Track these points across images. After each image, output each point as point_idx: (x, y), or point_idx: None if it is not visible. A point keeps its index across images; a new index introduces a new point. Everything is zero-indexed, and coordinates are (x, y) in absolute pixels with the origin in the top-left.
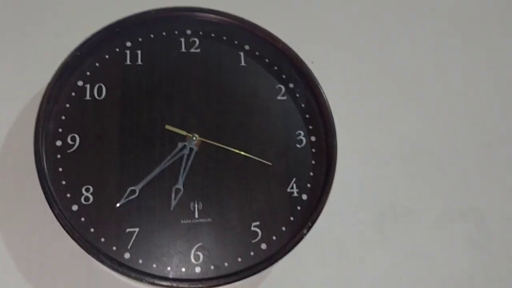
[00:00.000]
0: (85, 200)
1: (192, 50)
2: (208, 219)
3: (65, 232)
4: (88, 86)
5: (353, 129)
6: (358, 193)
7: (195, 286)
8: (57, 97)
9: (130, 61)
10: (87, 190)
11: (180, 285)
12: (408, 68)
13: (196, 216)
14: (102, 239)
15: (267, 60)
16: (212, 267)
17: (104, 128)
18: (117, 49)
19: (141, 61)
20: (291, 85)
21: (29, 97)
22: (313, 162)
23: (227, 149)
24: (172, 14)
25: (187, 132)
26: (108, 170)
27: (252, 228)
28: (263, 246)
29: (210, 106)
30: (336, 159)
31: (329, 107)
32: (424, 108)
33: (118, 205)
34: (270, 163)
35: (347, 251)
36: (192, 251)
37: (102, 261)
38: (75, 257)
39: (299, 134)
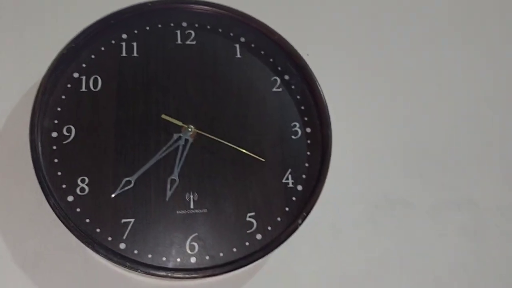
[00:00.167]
0: (80, 191)
1: (188, 42)
2: (204, 210)
3: (60, 222)
4: (84, 77)
5: (348, 120)
6: (353, 183)
7: (190, 275)
8: (53, 88)
9: (126, 53)
10: (83, 181)
11: (175, 274)
12: (403, 60)
13: (192, 206)
14: (98, 230)
15: (262, 52)
16: (207, 257)
17: (100, 119)
18: (113, 41)
19: (137, 53)
20: (286, 77)
21: (25, 89)
22: (308, 153)
23: (222, 142)
24: (168, 6)
25: (183, 123)
26: (103, 161)
27: (247, 219)
28: (258, 236)
29: (206, 98)
30: (331, 149)
31: (324, 98)
32: (419, 99)
33: (113, 195)
34: (263, 160)
35: (342, 241)
36: (188, 242)
37: (97, 251)
38: (71, 248)
39: (295, 125)
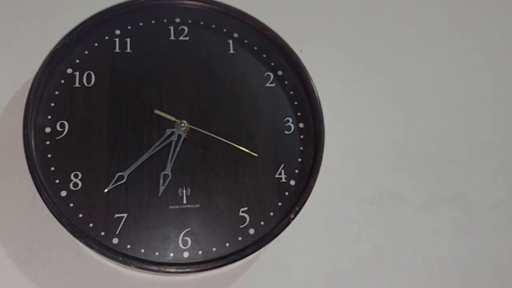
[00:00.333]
0: (73, 186)
1: (181, 38)
2: (196, 205)
3: (53, 218)
4: (77, 73)
5: (341, 115)
6: (345, 178)
7: (183, 270)
8: (46, 84)
9: (119, 48)
10: (76, 176)
11: (168, 269)
12: (395, 56)
13: (185, 201)
14: (91, 225)
15: (255, 48)
16: (200, 252)
17: (93, 114)
18: (107, 37)
19: (130, 48)
20: (279, 73)
21: (19, 85)
22: (301, 148)
23: (215, 137)
24: (161, 2)
25: (176, 118)
26: (96, 156)
27: (240, 214)
28: (251, 231)
29: (199, 94)
30: (323, 145)
31: (317, 94)
32: (412, 95)
33: (106, 190)
34: (256, 154)
35: (335, 236)
36: (180, 236)
37: (90, 246)
38: (64, 243)
39: (288, 120)
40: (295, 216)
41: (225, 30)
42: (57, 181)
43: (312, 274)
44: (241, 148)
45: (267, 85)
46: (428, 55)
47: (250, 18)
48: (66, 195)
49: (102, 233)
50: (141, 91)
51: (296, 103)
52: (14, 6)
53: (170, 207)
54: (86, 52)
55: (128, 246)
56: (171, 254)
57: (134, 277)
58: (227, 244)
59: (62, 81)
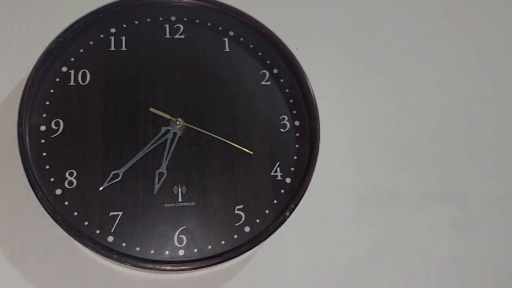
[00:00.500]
0: (68, 184)
1: (177, 36)
2: (192, 203)
3: (48, 216)
4: (72, 71)
5: (337, 113)
6: (341, 176)
7: (178, 268)
8: (41, 82)
9: (114, 47)
10: (71, 174)
11: (163, 267)
12: (391, 54)
13: (180, 199)
14: (86, 223)
15: (251, 46)
16: (195, 250)
17: (88, 113)
18: (102, 35)
19: (126, 47)
20: (275, 71)
21: (14, 83)
22: (296, 146)
23: (211, 135)
24: (156, 1)
25: (171, 116)
26: (91, 155)
27: (236, 212)
28: (247, 229)
29: (195, 92)
30: (319, 142)
31: (313, 92)
32: (409, 93)
33: (101, 188)
34: (251, 152)
35: (330, 233)
36: (176, 234)
37: (85, 244)
38: (59, 241)
39: (283, 118)
40: (290, 214)
41: (220, 28)
42: (52, 179)
43: (308, 272)
44: (237, 146)
45: (263, 83)
46: (426, 54)
47: (246, 16)
48: (61, 193)
49: (97, 231)
50: (137, 89)
51: (291, 101)
52: (9, 5)
53: (166, 205)
54: (81, 51)
55: (123, 244)
56: (167, 252)
57: (129, 276)
58: (223, 242)
59: (57, 80)
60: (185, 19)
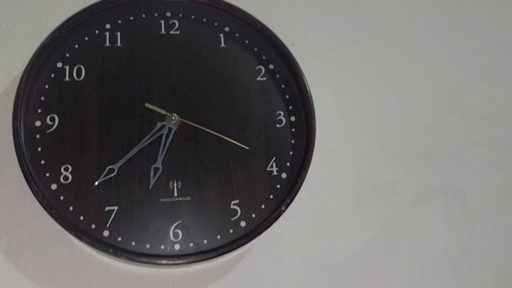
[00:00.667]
0: (64, 179)
1: (172, 32)
2: (187, 198)
3: (44, 211)
4: (67, 67)
5: (333, 108)
6: (337, 171)
7: (174, 262)
8: (37, 78)
9: (109, 42)
10: (66, 169)
11: (159, 261)
12: (387, 49)
13: (175, 194)
14: (81, 217)
15: (247, 42)
16: (191, 244)
17: (83, 108)
18: (97, 31)
19: (121, 43)
20: (271, 66)
21: (9, 78)
22: (292, 141)
23: (207, 131)
24: None
25: (166, 111)
26: (87, 150)
27: (232, 206)
28: (243, 223)
29: (190, 87)
30: (315, 138)
31: (309, 87)
32: (404, 87)
33: (96, 183)
34: (247, 148)
35: (326, 229)
36: (171, 229)
37: (80, 238)
38: (55, 236)
39: (279, 114)
40: (286, 208)
41: (216, 24)
42: (47, 174)
43: (303, 266)
44: (232, 141)
45: (259, 78)
46: (423, 48)
47: (241, 12)
48: (57, 188)
49: (93, 226)
50: (132, 85)
51: (287, 96)
52: (5, 0)
53: (161, 200)
54: (76, 46)
55: (119, 239)
56: (162, 247)
57: (124, 270)
58: (218, 237)
59: (52, 75)
60: (181, 15)
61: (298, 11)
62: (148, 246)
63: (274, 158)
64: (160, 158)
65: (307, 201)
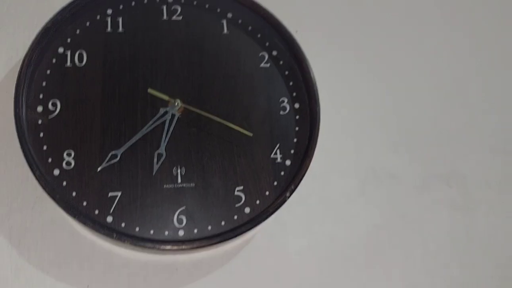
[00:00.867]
0: (66, 165)
1: (174, 18)
2: (191, 184)
3: (47, 197)
4: (69, 52)
5: (337, 95)
6: (341, 158)
7: (178, 247)
8: (38, 63)
9: (111, 28)
10: (69, 154)
11: (163, 246)
12: (391, 37)
13: (179, 181)
14: (84, 203)
15: (250, 28)
16: (195, 231)
17: (86, 94)
18: (98, 16)
19: (122, 28)
20: (274, 53)
21: (11, 64)
22: (296, 128)
23: (210, 117)
24: None
25: (170, 97)
26: (89, 135)
27: (236, 193)
28: (247, 210)
29: (193, 73)
30: (319, 125)
31: (313, 74)
32: (407, 75)
33: (99, 169)
34: (250, 134)
35: (331, 215)
36: (175, 215)
37: (84, 223)
38: (57, 223)
39: (283, 101)
40: (290, 195)
41: (218, 10)
42: (49, 159)
43: (308, 253)
44: (236, 128)
45: (262, 65)
46: (426, 37)
47: None
48: (59, 173)
49: (96, 212)
50: (135, 70)
51: (291, 83)
52: None
53: (165, 186)
54: (78, 32)
55: (123, 225)
56: (166, 233)
57: (128, 257)
58: (223, 223)
59: (54, 61)
60: (183, 1)
61: None
62: (152, 232)
63: (278, 145)
64: (163, 144)
65: (310, 188)
